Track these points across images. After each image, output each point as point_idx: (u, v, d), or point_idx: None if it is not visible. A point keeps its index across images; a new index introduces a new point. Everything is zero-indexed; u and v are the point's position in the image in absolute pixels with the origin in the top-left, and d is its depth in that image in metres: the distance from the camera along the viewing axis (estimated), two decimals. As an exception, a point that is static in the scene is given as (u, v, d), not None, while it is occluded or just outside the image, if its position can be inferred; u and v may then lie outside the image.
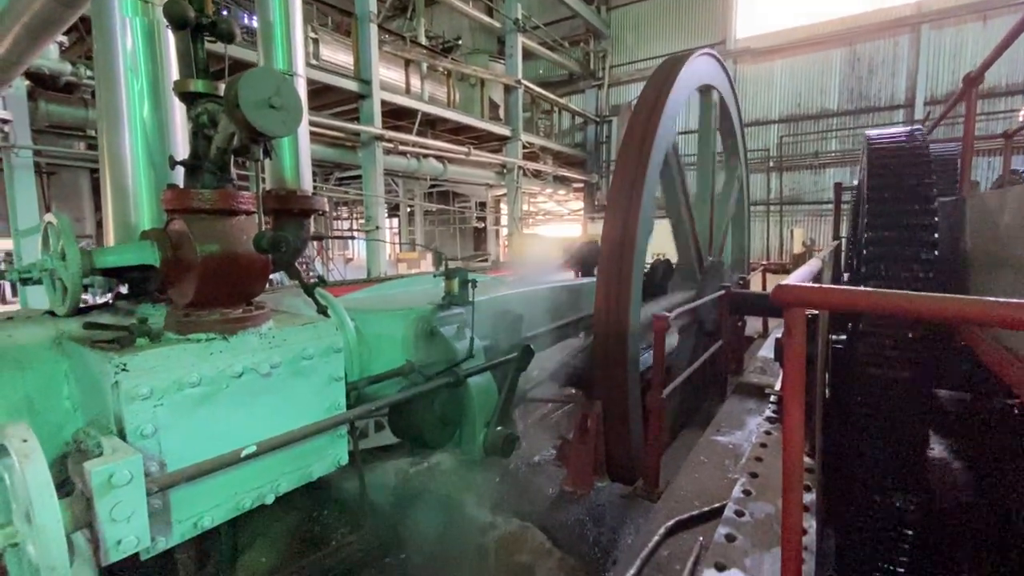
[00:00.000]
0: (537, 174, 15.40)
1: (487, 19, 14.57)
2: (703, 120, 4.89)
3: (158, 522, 1.51)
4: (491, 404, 2.85)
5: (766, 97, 15.72)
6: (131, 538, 1.34)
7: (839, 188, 4.99)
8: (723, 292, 4.62)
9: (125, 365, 1.49)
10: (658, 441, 2.94)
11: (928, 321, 1.74)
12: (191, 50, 1.72)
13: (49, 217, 1.71)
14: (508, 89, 13.80)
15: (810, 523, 1.72)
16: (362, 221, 19.52)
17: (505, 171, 13.96)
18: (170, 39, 2.15)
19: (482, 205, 19.36)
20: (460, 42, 16.24)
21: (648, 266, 4.68)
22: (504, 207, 18.44)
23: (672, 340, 4.36)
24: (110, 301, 2.11)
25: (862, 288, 0.78)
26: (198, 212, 1.73)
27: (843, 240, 4.75)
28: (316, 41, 8.86)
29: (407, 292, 3.57)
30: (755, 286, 7.45)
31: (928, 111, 13.14)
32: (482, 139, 13.71)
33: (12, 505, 1.29)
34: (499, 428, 2.81)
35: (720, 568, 1.61)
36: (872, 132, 2.50)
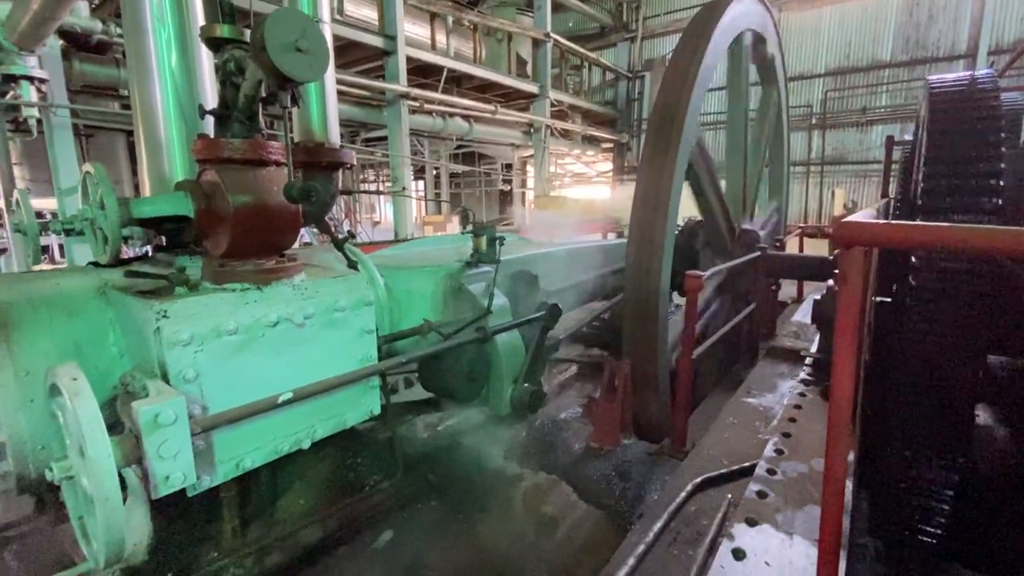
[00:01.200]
0: (566, 134, 14.96)
1: (515, -32, 13.92)
2: (734, 66, 4.50)
3: (203, 462, 1.58)
4: (518, 361, 2.86)
5: (812, 48, 14.70)
6: (178, 474, 1.41)
7: (891, 141, 4.68)
8: (758, 254, 4.46)
9: (166, 312, 1.53)
10: (686, 401, 2.92)
11: (1001, 256, 1.63)
12: (216, -7, 1.67)
13: (87, 167, 1.74)
14: (536, 44, 13.27)
15: (847, 482, 1.68)
16: (388, 183, 19.53)
17: (532, 130, 13.61)
18: (195, -15, 2.11)
19: (508, 167, 19.03)
20: (487, -6, 15.61)
21: (678, 228, 4.54)
22: (531, 169, 18.11)
23: (703, 303, 4.26)
24: (149, 253, 2.17)
25: (937, 223, 0.71)
26: (229, 162, 1.72)
27: (891, 200, 4.49)
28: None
29: (435, 250, 3.56)
30: (792, 251, 7.18)
31: (992, 61, 12.09)
32: (509, 97, 13.33)
33: (67, 440, 1.37)
34: (526, 384, 2.84)
35: (751, 523, 1.60)
36: (934, 77, 2.30)
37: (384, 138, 10.88)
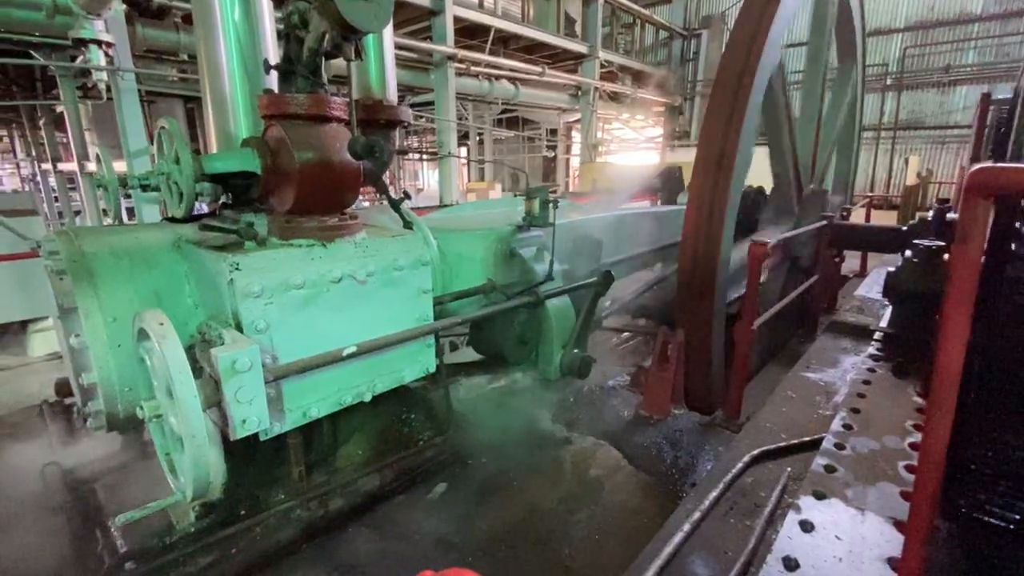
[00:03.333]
0: (615, 96, 14.39)
1: (566, -81, 13.19)
2: (816, 25, 4.21)
3: (273, 410, 1.66)
4: (569, 326, 2.84)
5: (889, 1, 13.38)
6: (253, 419, 1.48)
7: (987, 99, 4.23)
8: (824, 223, 4.19)
9: (238, 265, 1.58)
10: (743, 373, 2.83)
11: None
12: (280, -58, 1.64)
13: (162, 122, 1.79)
14: (586, 1, 12.67)
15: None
16: (432, 149, 19.49)
17: (580, 93, 13.15)
18: (256, -63, 2.09)
19: (553, 132, 18.58)
20: (535, -51, 14.91)
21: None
22: (576, 134, 17.60)
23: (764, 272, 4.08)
24: (216, 211, 2.24)
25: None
26: (294, 118, 1.73)
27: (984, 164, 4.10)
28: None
29: (487, 213, 3.54)
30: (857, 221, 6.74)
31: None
32: (557, 57, 12.88)
33: (154, 382, 1.45)
34: (575, 351, 2.82)
35: (819, 496, 1.54)
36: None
37: (429, 103, 10.79)
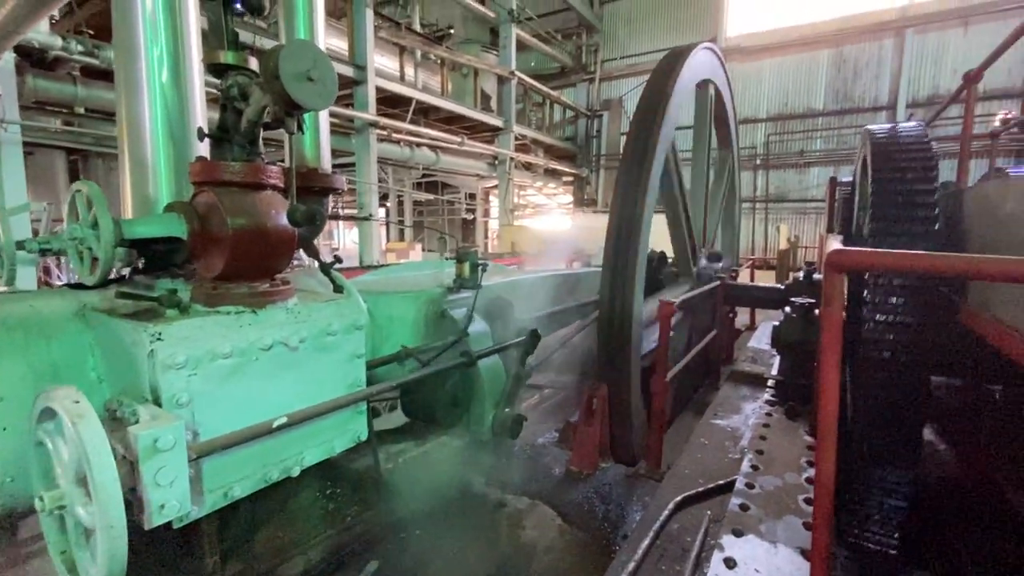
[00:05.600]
0: (528, 166, 15.41)
1: (480, 8, 14.47)
2: (699, 115, 4.97)
3: (192, 491, 1.53)
4: (500, 385, 2.90)
5: (755, 95, 15.95)
6: (173, 503, 1.36)
7: (834, 182, 5.14)
8: (718, 283, 4.73)
9: (160, 334, 1.49)
10: (661, 423, 3.03)
11: (950, 281, 1.84)
12: (222, 21, 1.71)
13: (79, 185, 1.70)
14: (501, 80, 13.75)
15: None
16: (350, 210, 19.29)
17: (497, 162, 13.93)
18: (189, 2, 2.14)
19: (472, 196, 19.29)
20: (452, 31, 16.09)
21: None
22: (494, 199, 18.41)
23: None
24: (126, 276, 2.10)
25: (912, 252, 0.84)
26: (228, 185, 1.73)
27: (835, 234, 4.90)
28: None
29: (415, 275, 3.59)
30: (743, 281, 7.61)
31: (910, 113, 13.49)
32: (475, 129, 13.66)
33: (57, 469, 1.30)
34: (507, 409, 2.87)
35: (738, 534, 1.69)
36: (874, 127, 2.60)
37: (348, 165, 10.85)
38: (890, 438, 1.92)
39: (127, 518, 1.32)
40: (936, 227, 1.87)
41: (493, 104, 14.34)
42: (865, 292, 1.84)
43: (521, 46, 14.99)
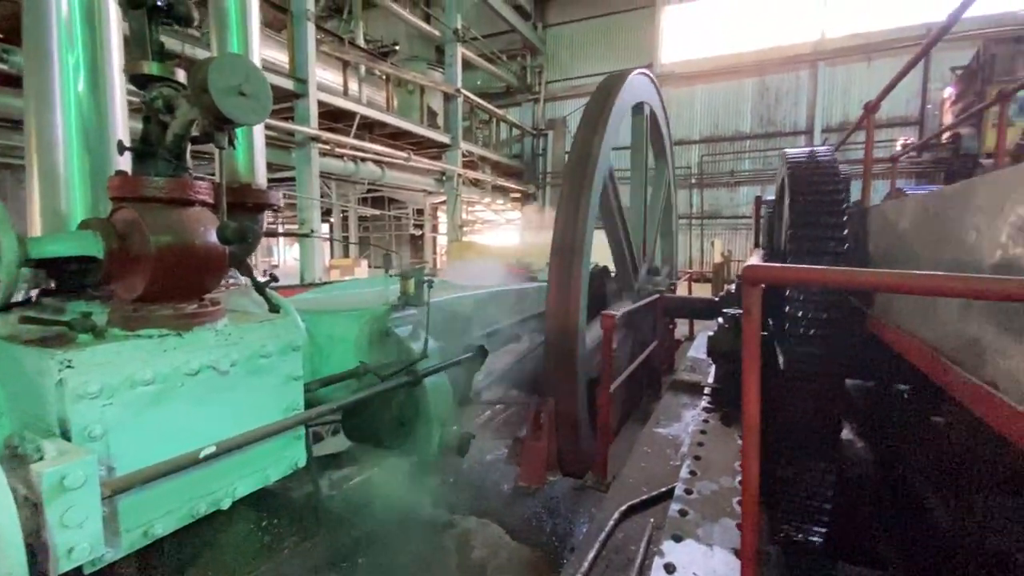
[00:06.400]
0: (476, 183, 15.51)
1: (425, 26, 14.59)
2: (636, 136, 5.21)
3: (106, 531, 1.40)
4: (447, 404, 2.87)
5: (689, 118, 16.91)
6: (84, 546, 1.24)
7: (759, 201, 5.52)
8: (657, 297, 4.92)
9: (70, 362, 1.38)
10: (607, 434, 3.09)
11: (858, 292, 2.01)
12: (146, 31, 1.63)
13: (-25, 201, 1.55)
14: (448, 97, 13.83)
15: (750, 496, 1.91)
16: (290, 226, 18.60)
17: (444, 178, 13.93)
18: (110, 8, 2.02)
19: (420, 212, 19.14)
20: (397, 48, 16.08)
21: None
22: (442, 215, 18.36)
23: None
24: (33, 298, 1.92)
25: (816, 267, 0.93)
26: (152, 201, 1.63)
27: (760, 248, 5.25)
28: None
29: (359, 293, 3.51)
30: (681, 293, 7.98)
31: (825, 138, 14.75)
32: (421, 145, 13.62)
33: (-60, 516, 1.16)
34: (455, 428, 2.84)
35: (677, 539, 1.74)
36: (790, 150, 2.82)
37: (289, 179, 10.51)
38: (811, 438, 2.06)
39: (31, 565, 1.20)
40: (845, 243, 2.06)
41: (440, 121, 14.38)
42: (787, 305, 1.99)
43: (467, 65, 15.19)
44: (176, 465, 1.52)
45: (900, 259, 1.93)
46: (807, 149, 2.70)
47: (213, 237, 1.69)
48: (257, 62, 2.38)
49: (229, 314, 1.99)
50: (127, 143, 1.68)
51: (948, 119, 11.96)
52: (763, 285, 1.03)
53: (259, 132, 2.40)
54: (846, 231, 2.00)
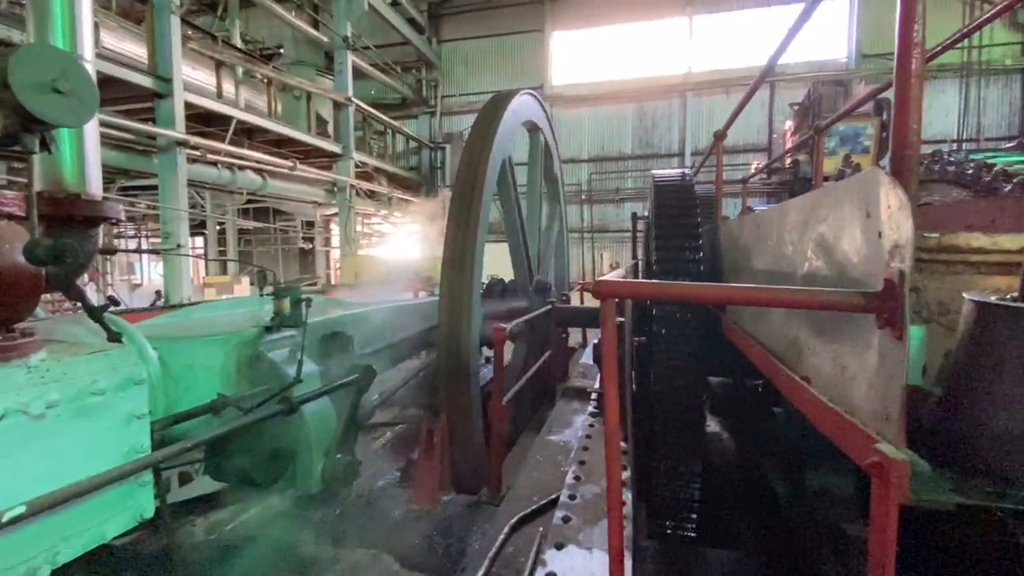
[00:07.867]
0: (372, 194, 15.00)
1: (313, 32, 13.93)
2: (531, 153, 5.41)
3: None
4: (330, 431, 2.69)
5: (578, 138, 17.95)
6: None
7: (635, 217, 5.98)
8: (550, 307, 5.10)
9: None
10: (499, 448, 3.10)
11: (704, 304, 2.23)
12: (-77, 9, 1.35)
13: None
14: (338, 106, 13.26)
15: (627, 496, 2.02)
16: (154, 240, 16.54)
17: (336, 189, 13.29)
18: None
19: (310, 224, 18.04)
20: (282, 51, 15.13)
21: (484, 285, 4.97)
22: (335, 227, 17.47)
23: (508, 353, 4.63)
24: None
25: (658, 281, 1.01)
26: (-69, 213, 1.34)
27: (639, 260, 5.69)
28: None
29: (228, 315, 3.19)
30: (575, 303, 8.36)
31: (694, 160, 16.48)
32: (309, 154, 12.87)
33: None
34: (339, 455, 2.67)
35: (559, 547, 1.78)
36: (656, 172, 3.08)
37: (151, 186, 9.34)
38: (679, 434, 2.23)
39: None
40: (700, 251, 2.28)
41: (331, 129, 13.74)
42: (655, 311, 2.15)
43: (359, 74, 14.72)
44: (-36, 536, 1.25)
45: (742, 268, 2.19)
46: (671, 171, 2.97)
47: (20, 257, 1.43)
48: (89, 54, 2.07)
49: (50, 346, 1.70)
50: None
51: (789, 146, 13.99)
52: (616, 299, 1.10)
53: (92, 134, 2.08)
54: (701, 242, 2.22)
